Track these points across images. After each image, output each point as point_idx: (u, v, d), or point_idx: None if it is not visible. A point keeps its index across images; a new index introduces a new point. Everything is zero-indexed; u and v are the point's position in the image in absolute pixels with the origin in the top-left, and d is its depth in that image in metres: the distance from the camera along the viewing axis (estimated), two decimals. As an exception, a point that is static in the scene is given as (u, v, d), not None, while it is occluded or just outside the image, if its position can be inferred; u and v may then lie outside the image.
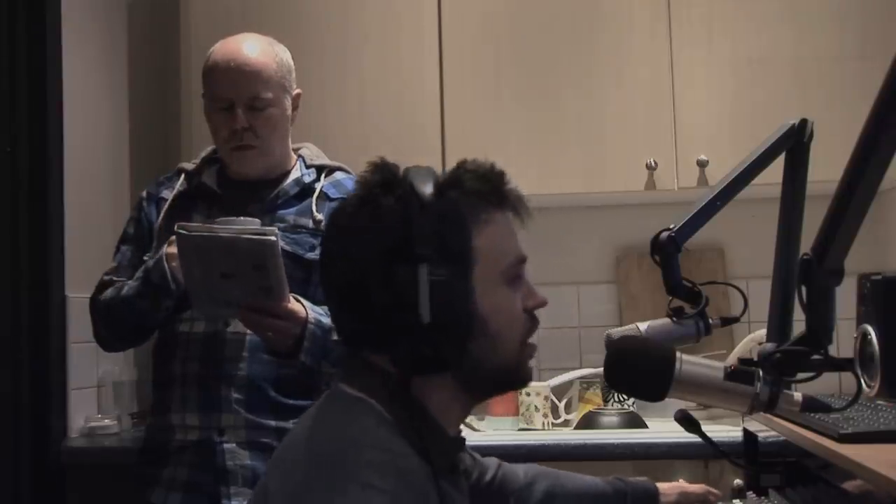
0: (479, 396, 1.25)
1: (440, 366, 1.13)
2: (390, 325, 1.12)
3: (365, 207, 1.17)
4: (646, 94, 2.62)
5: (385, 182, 1.17)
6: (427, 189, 1.14)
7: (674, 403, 1.35)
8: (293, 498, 1.08)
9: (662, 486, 1.53)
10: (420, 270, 1.10)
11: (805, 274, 1.17)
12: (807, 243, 1.21)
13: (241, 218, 1.81)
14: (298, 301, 1.81)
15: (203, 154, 2.10)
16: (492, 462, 1.51)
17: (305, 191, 2.04)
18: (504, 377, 1.22)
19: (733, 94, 2.61)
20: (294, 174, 2.06)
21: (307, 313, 1.80)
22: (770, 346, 1.24)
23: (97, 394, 2.62)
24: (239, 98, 1.95)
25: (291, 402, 1.94)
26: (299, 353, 1.81)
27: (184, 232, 1.73)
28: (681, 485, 1.54)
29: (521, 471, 1.52)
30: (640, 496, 1.51)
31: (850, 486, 1.21)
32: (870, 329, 1.26)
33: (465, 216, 1.16)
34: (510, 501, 1.48)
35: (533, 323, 1.23)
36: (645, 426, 2.45)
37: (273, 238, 1.70)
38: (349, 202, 1.22)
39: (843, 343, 1.36)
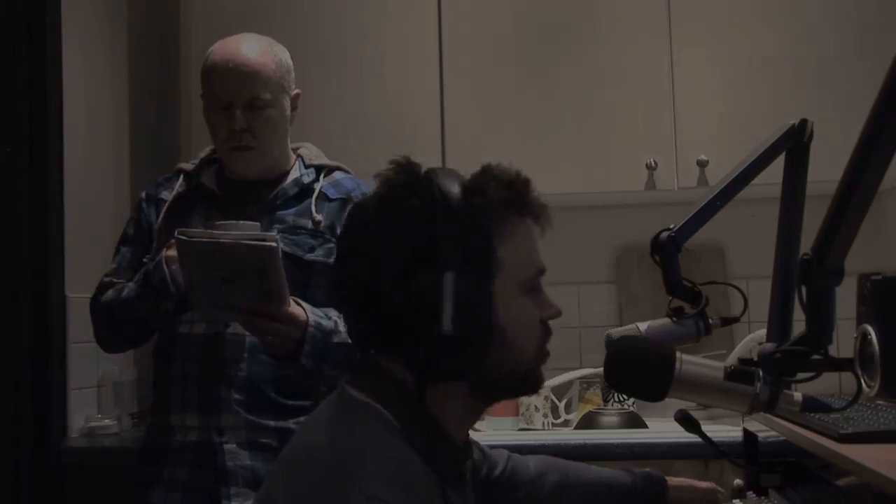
0: (490, 402, 1.24)
1: (457, 374, 1.12)
2: (408, 330, 1.10)
3: (387, 207, 1.15)
4: (646, 94, 2.61)
5: (409, 182, 1.15)
6: (454, 194, 1.12)
7: (674, 403, 1.34)
8: None
9: (670, 478, 1.53)
10: (445, 278, 1.08)
11: (805, 274, 1.17)
12: (807, 243, 1.21)
13: (241, 222, 1.79)
14: (298, 304, 1.80)
15: (202, 155, 2.09)
16: (501, 455, 1.51)
17: (304, 191, 2.03)
18: (517, 384, 1.22)
19: (733, 94, 2.60)
20: (293, 174, 2.05)
21: (307, 317, 1.80)
22: (770, 346, 1.24)
23: (97, 394, 2.62)
24: (237, 98, 1.94)
25: (291, 402, 1.94)
26: (300, 357, 1.80)
27: (184, 237, 1.72)
28: (689, 480, 1.55)
29: (531, 462, 1.52)
30: (647, 484, 1.51)
31: (850, 486, 1.21)
32: (870, 329, 1.26)
33: (492, 226, 1.15)
34: (520, 493, 1.48)
35: (548, 333, 1.23)
36: (645, 426, 2.45)
37: (273, 244, 1.69)
38: (370, 200, 1.19)
39: (843, 343, 1.36)
